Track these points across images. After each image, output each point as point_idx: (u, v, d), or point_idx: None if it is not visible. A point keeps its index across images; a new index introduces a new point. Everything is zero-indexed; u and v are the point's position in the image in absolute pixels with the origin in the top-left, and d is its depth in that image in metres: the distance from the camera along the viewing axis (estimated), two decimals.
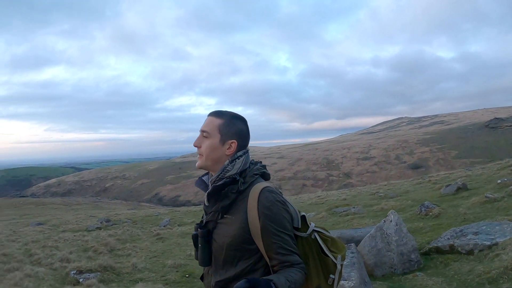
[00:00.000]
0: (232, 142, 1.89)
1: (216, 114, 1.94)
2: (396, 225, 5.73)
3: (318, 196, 19.27)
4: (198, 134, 1.90)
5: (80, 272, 7.33)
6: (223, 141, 1.88)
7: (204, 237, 1.89)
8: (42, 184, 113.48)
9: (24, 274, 7.34)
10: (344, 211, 11.20)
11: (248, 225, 1.79)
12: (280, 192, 1.91)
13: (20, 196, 72.13)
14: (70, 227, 16.67)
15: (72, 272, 7.39)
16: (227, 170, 1.86)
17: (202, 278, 2.05)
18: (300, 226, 1.92)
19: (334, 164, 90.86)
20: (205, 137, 1.89)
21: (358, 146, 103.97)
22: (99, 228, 15.02)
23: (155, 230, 13.36)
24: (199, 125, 1.91)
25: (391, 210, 6.06)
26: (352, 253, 4.85)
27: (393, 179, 39.27)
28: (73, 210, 38.57)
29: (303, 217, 1.94)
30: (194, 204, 50.10)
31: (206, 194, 1.91)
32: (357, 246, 5.76)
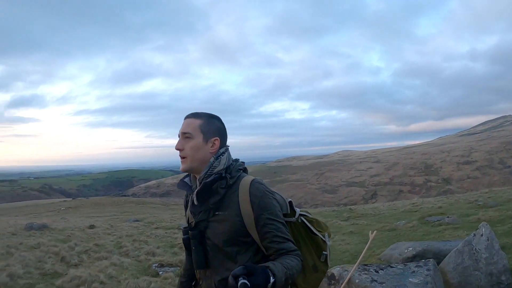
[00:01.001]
0: (215, 140, 2.01)
1: (194, 115, 2.03)
2: (487, 240, 4.99)
3: (413, 203, 18.34)
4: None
5: (161, 265, 8.00)
6: (206, 139, 1.99)
7: (196, 238, 1.96)
8: (142, 185, 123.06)
9: (110, 263, 8.19)
10: (437, 221, 10.61)
11: (242, 218, 1.89)
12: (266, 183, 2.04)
13: (122, 195, 79.12)
14: (163, 224, 17.92)
15: (154, 265, 8.07)
16: (214, 166, 1.95)
17: (195, 284, 2.15)
18: (289, 212, 2.08)
19: (432, 169, 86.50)
20: (188, 137, 1.97)
21: (458, 149, 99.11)
22: None
23: None
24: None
25: (482, 223, 5.38)
26: (428, 270, 4.35)
27: (496, 186, 35.91)
28: (170, 209, 41.09)
29: (290, 203, 2.10)
30: None
31: (195, 193, 1.96)
32: (442, 261, 5.27)
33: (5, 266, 7.77)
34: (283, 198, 2.08)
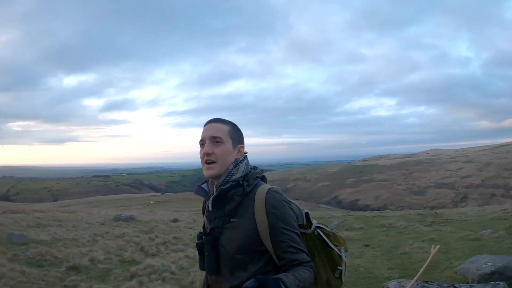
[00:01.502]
0: (240, 147, 2.05)
1: (221, 121, 2.06)
2: None
3: (504, 210, 16.60)
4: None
5: None
6: (234, 146, 2.02)
7: (210, 244, 1.96)
8: None
9: (184, 255, 8.60)
10: None
11: (256, 226, 1.88)
12: (283, 193, 2.01)
13: None
14: None
15: None
16: (233, 173, 1.96)
17: None
18: (304, 223, 2.05)
19: None
20: (218, 142, 1.97)
21: None
22: None
23: None
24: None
25: None
26: None
27: None
28: None
29: (307, 214, 2.08)
30: (373, 209, 48.80)
31: (211, 199, 1.98)
32: None
33: (89, 252, 8.52)
34: (299, 208, 2.06)
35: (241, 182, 1.96)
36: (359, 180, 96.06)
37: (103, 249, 9.11)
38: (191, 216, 22.37)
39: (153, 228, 14.92)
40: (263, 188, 1.95)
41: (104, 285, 6.62)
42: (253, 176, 2.01)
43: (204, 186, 2.10)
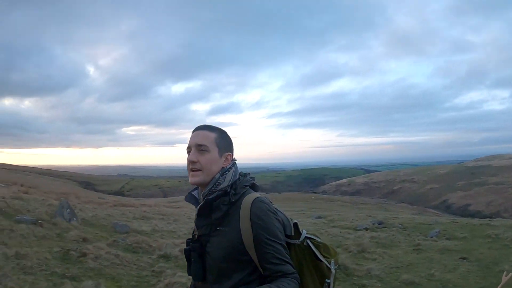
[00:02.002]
0: (228, 155, 2.04)
1: (208, 128, 2.04)
2: None
3: None
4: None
5: None
6: (220, 154, 2.01)
7: (197, 251, 1.98)
8: (333, 183, 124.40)
9: None
10: None
11: (241, 236, 1.87)
12: (271, 202, 1.98)
13: (313, 192, 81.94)
14: (342, 223, 17.80)
15: None
16: (219, 183, 1.96)
17: None
18: (293, 234, 2.01)
19: None
20: (203, 150, 1.97)
21: None
22: (367, 229, 15.48)
23: (417, 240, 12.90)
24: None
25: None
26: None
27: None
28: (357, 209, 40.65)
29: (295, 225, 2.03)
30: (484, 216, 44.56)
31: (197, 208, 2.00)
32: None
33: (181, 243, 9.05)
34: (288, 218, 2.04)
35: (228, 191, 1.95)
36: (471, 183, 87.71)
37: None
38: (292, 216, 22.46)
39: None
40: (250, 197, 1.93)
41: (185, 273, 7.02)
42: (241, 185, 1.99)
43: (195, 193, 2.09)
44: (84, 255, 7.10)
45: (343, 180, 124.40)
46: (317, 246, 2.00)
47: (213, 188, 1.96)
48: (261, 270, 1.89)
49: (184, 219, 16.45)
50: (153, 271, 7.13)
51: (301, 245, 2.00)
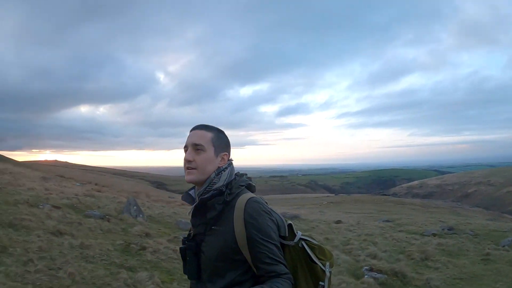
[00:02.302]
0: (224, 155, 2.05)
1: (204, 127, 2.05)
2: None
3: None
4: None
5: (371, 269, 7.76)
6: (216, 153, 2.02)
7: (192, 250, 1.99)
8: (404, 185, 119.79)
9: None
10: None
11: (235, 235, 1.88)
12: (266, 202, 1.99)
13: (382, 194, 79.32)
14: (410, 228, 17.08)
15: (365, 268, 7.89)
16: (214, 182, 1.97)
17: None
18: (287, 235, 2.00)
19: None
20: (199, 149, 1.99)
21: None
22: (434, 235, 14.71)
23: (487, 249, 11.79)
24: None
25: None
26: None
27: None
28: (428, 212, 38.86)
29: (290, 226, 2.02)
30: None
31: (193, 207, 2.02)
32: None
33: None
34: (282, 219, 2.03)
35: (223, 190, 1.96)
36: None
37: None
38: (357, 219, 21.96)
39: (313, 227, 15.16)
40: (244, 197, 1.94)
41: None
42: (236, 185, 2.00)
43: (191, 192, 2.10)
44: (144, 248, 7.47)
45: (415, 182, 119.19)
46: (312, 248, 1.98)
47: (208, 187, 1.97)
48: (255, 270, 1.90)
49: None
50: None
51: (295, 246, 1.98)
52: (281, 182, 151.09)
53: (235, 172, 2.08)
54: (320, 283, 1.93)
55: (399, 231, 16.07)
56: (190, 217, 2.07)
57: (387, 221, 20.96)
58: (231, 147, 2.12)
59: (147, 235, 8.91)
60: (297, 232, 2.01)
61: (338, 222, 18.26)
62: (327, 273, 1.94)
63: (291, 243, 1.97)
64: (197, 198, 2.02)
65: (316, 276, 1.94)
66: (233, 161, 2.11)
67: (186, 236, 2.11)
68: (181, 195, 2.17)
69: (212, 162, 2.00)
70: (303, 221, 16.93)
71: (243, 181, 2.04)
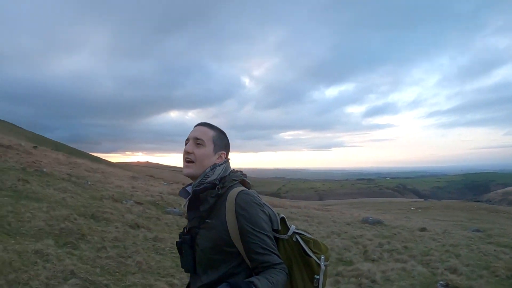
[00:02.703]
0: (222, 153, 2.09)
1: (208, 125, 2.10)
2: None
3: None
4: None
5: (446, 286, 7.09)
6: (215, 151, 2.06)
7: (187, 243, 2.02)
8: (500, 190, 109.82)
9: (401, 267, 7.85)
10: None
11: (227, 228, 1.89)
12: (258, 196, 1.99)
13: (475, 201, 73.83)
14: (501, 240, 15.42)
15: (440, 283, 7.08)
16: (208, 175, 2.01)
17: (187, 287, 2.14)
18: (280, 228, 1.99)
19: None
20: (199, 144, 2.04)
21: None
22: None
23: None
24: None
25: None
26: None
27: None
28: None
29: (283, 219, 2.02)
30: None
31: (187, 200, 2.04)
32: None
33: None
34: (275, 213, 2.03)
35: (217, 183, 1.99)
36: None
37: (329, 246, 9.40)
38: (446, 227, 20.61)
39: (394, 234, 14.44)
40: (235, 190, 1.95)
41: None
42: (229, 179, 2.03)
43: (188, 188, 2.12)
44: None
45: (511, 188, 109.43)
46: (306, 242, 1.98)
47: (201, 180, 2.00)
48: (248, 262, 1.90)
49: (328, 222, 16.29)
50: None
51: (289, 240, 1.98)
52: (369, 185, 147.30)
53: (230, 168, 2.11)
54: (315, 276, 1.93)
55: (488, 242, 14.70)
56: (185, 210, 2.10)
57: (477, 230, 19.37)
58: (229, 150, 2.16)
59: None
60: (290, 226, 2.01)
61: (423, 229, 17.26)
62: (322, 267, 1.94)
63: (284, 236, 1.98)
64: (191, 191, 2.05)
65: (311, 269, 1.94)
66: (230, 160, 2.14)
67: (182, 230, 2.13)
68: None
69: (209, 158, 2.04)
70: (385, 227, 16.22)
71: (236, 176, 2.07)
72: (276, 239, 1.98)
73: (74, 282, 4.78)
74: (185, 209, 2.09)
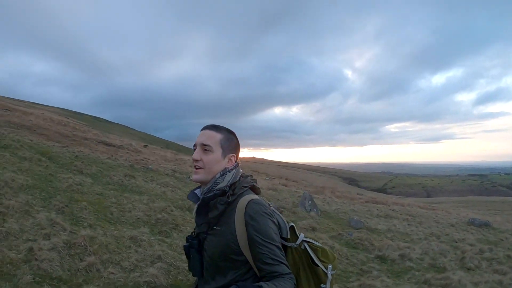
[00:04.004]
0: (231, 156, 2.01)
1: (214, 128, 2.01)
2: None
3: None
4: None
5: None
6: (224, 155, 1.98)
7: (195, 248, 1.98)
8: None
9: (498, 279, 7.00)
10: None
11: (236, 236, 1.85)
12: (269, 204, 1.95)
13: None
14: None
15: None
16: (217, 182, 1.94)
17: None
18: (289, 236, 1.96)
19: None
20: (207, 150, 1.96)
21: None
22: None
23: None
24: None
25: None
26: None
27: None
28: None
29: (292, 228, 1.98)
30: None
31: (196, 206, 2.00)
32: None
33: (405, 247, 8.63)
34: (284, 221, 1.99)
35: (226, 191, 1.94)
36: None
37: (422, 249, 8.92)
38: None
39: (501, 240, 13.09)
40: (245, 199, 1.90)
41: (394, 280, 6.61)
42: (239, 186, 1.97)
43: (197, 191, 2.07)
44: None
45: None
46: (314, 250, 1.94)
47: (211, 187, 1.96)
48: (257, 272, 1.87)
49: (430, 222, 15.30)
50: (360, 269, 7.07)
51: (298, 248, 1.96)
52: (481, 181, 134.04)
53: (240, 173, 2.05)
54: (322, 285, 1.90)
55: None
56: (194, 215, 2.07)
57: None
58: (239, 149, 2.08)
59: (313, 229, 9.13)
60: (299, 234, 1.98)
61: None
62: (329, 276, 1.90)
63: (293, 245, 1.95)
64: (201, 197, 2.01)
65: (318, 278, 1.91)
66: (240, 163, 2.08)
67: (190, 234, 2.10)
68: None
69: (218, 163, 1.98)
70: (492, 230, 14.75)
71: (247, 182, 2.00)
72: (285, 247, 1.95)
73: (159, 266, 5.23)
74: (195, 214, 2.06)
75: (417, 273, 7.12)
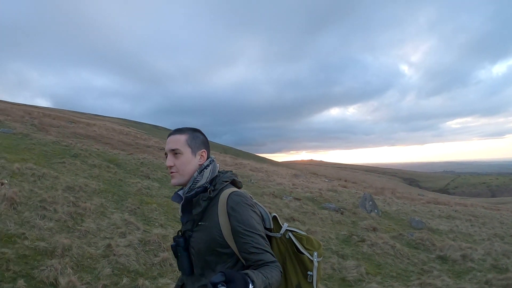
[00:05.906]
0: (202, 152, 2.00)
1: (178, 131, 2.00)
2: None
3: None
4: None
5: None
6: (194, 153, 1.97)
7: (182, 246, 1.95)
8: None
9: None
10: None
11: (220, 229, 1.84)
12: (251, 197, 1.93)
13: None
14: None
15: None
16: (197, 180, 1.94)
17: None
18: (272, 227, 1.95)
19: None
20: (177, 153, 1.95)
21: None
22: None
23: None
24: None
25: None
26: None
27: None
28: None
29: (275, 218, 1.97)
30: None
31: (180, 205, 1.99)
32: None
33: (467, 248, 8.35)
34: (267, 212, 1.98)
35: (207, 187, 1.94)
36: None
37: (485, 250, 8.53)
38: None
39: None
40: (226, 192, 1.90)
41: (455, 280, 6.42)
42: (220, 181, 1.96)
43: (180, 192, 2.05)
44: (363, 240, 7.68)
45: None
46: (299, 239, 1.93)
47: (191, 185, 1.95)
48: (243, 262, 1.85)
49: (494, 222, 14.44)
50: (421, 269, 6.93)
51: (282, 238, 1.94)
52: None
53: (218, 168, 2.05)
54: (309, 272, 1.87)
55: None
56: (179, 215, 2.05)
57: None
58: (209, 144, 2.08)
59: (374, 229, 9.03)
60: (283, 224, 1.97)
61: None
62: (315, 263, 1.88)
63: (277, 234, 1.94)
64: (183, 197, 2.01)
65: (304, 266, 1.89)
66: (214, 159, 2.07)
67: (176, 234, 2.07)
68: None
69: (190, 162, 1.97)
70: None
71: (227, 177, 2.00)
72: (269, 237, 1.94)
73: None
74: (180, 213, 2.04)
75: (478, 273, 6.88)
